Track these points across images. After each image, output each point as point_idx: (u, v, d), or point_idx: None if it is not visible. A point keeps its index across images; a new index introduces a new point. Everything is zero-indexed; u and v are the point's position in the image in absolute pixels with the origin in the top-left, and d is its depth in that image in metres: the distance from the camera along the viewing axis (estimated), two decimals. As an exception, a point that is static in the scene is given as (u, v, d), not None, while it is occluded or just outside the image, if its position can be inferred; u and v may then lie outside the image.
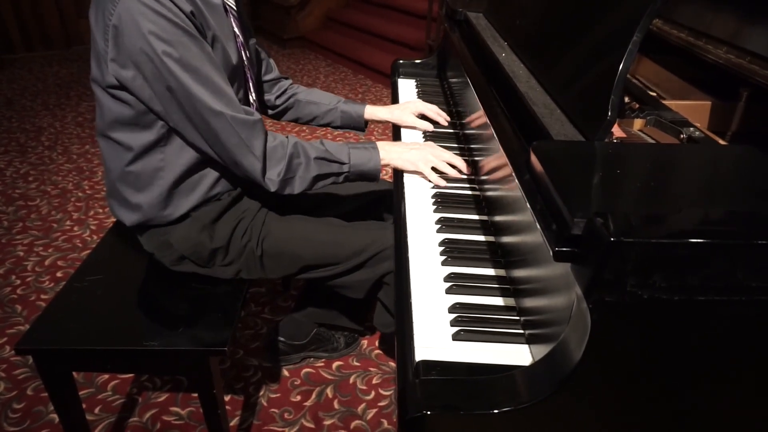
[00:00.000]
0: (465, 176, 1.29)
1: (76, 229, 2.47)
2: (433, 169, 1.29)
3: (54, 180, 2.91)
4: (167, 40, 1.04)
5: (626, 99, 1.13)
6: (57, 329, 1.19)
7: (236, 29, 1.25)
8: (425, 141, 1.50)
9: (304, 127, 3.53)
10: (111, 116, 1.17)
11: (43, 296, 2.03)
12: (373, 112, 1.61)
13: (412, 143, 1.35)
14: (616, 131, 0.98)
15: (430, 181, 1.28)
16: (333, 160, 1.25)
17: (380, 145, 1.31)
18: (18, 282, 2.11)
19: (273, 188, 1.21)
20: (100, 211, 2.61)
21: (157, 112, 1.13)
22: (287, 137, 1.22)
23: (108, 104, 1.16)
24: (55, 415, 1.53)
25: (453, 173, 1.28)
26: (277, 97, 1.59)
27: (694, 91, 1.28)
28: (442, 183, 1.27)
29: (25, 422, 1.54)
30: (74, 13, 5.11)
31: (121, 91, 1.12)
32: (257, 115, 1.18)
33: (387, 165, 1.31)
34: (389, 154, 1.30)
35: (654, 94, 1.27)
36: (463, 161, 1.30)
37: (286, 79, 1.62)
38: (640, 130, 1.04)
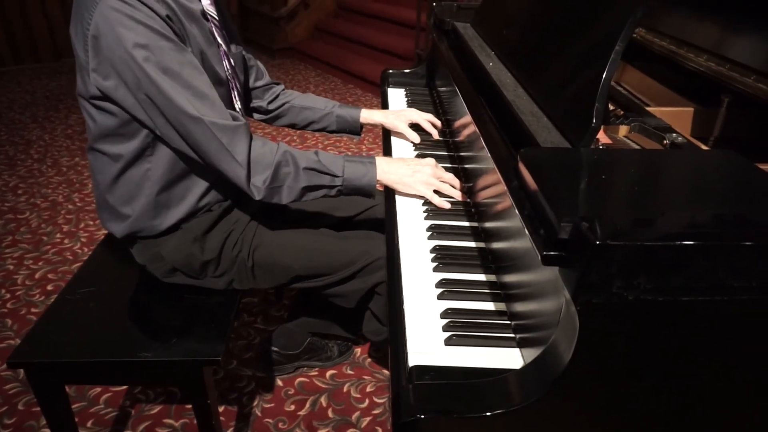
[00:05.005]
0: (460, 200, 1.24)
1: (66, 241, 2.46)
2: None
3: (44, 193, 2.89)
4: (146, 46, 1.04)
5: (611, 106, 1.16)
6: (49, 342, 1.18)
7: (218, 38, 1.24)
8: (415, 151, 1.51)
9: (295, 136, 3.54)
10: (97, 129, 1.17)
11: (33, 310, 2.02)
12: (368, 116, 1.61)
13: (414, 161, 1.29)
14: (602, 137, 1.00)
15: (434, 204, 1.22)
16: (324, 171, 1.21)
17: (379, 161, 1.26)
18: (8, 296, 2.09)
19: (258, 196, 1.17)
20: (91, 223, 2.60)
21: (141, 120, 1.13)
22: (278, 144, 1.19)
23: (93, 116, 1.16)
24: (47, 430, 1.52)
25: (457, 195, 1.24)
26: (270, 102, 1.58)
27: (678, 98, 1.31)
28: (446, 206, 1.21)
29: (17, 437, 1.53)
30: (63, 26, 5.11)
31: (105, 101, 1.12)
32: (242, 120, 1.15)
33: (383, 183, 1.27)
34: (387, 174, 1.25)
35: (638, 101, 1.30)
36: (459, 191, 1.25)
37: (278, 84, 1.61)
38: (625, 137, 1.06)
